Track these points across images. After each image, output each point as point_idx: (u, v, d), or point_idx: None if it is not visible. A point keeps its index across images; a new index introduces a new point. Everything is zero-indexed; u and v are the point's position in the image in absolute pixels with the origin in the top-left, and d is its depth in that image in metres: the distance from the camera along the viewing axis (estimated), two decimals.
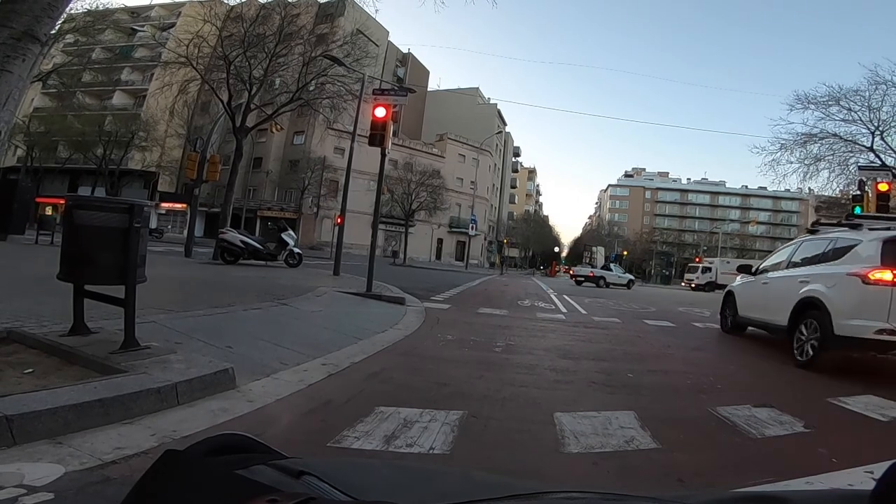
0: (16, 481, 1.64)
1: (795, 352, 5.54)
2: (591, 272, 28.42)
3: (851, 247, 5.49)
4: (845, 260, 5.43)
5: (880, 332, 4.64)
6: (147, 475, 0.53)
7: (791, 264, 6.65)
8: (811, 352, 5.27)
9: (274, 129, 19.68)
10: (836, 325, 4.95)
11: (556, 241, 72.09)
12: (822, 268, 5.73)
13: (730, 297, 8.25)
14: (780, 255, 7.38)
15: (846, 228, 6.15)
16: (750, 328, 7.58)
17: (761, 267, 7.61)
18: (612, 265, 33.10)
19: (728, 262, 38.15)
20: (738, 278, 8.29)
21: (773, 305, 6.38)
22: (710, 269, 38.95)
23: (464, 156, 49.13)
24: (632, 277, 31.17)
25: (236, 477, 0.55)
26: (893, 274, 4.74)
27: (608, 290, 22.53)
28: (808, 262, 6.26)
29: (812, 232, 6.88)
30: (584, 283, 26.85)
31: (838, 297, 5.08)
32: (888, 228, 5.60)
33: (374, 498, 0.57)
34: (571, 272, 31.02)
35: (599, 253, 45.29)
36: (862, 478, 2.22)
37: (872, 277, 4.83)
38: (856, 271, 5.03)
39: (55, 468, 1.81)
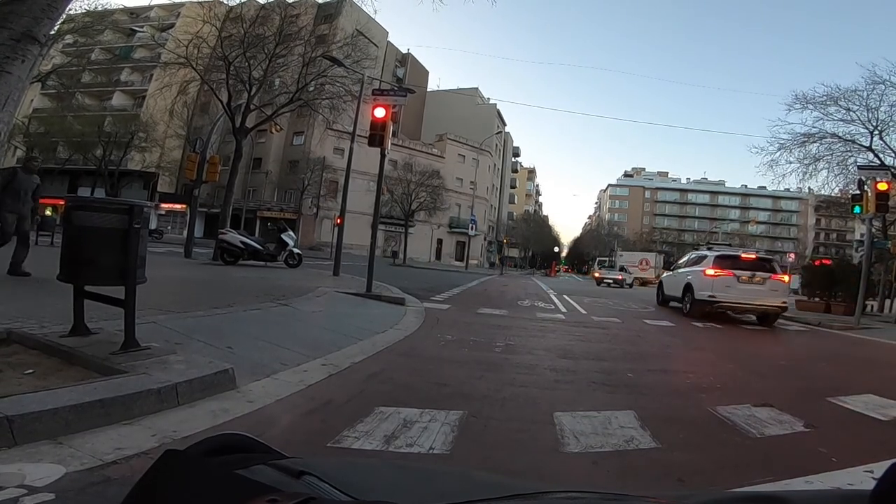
0: (17, 482, 1.64)
1: (683, 308, 10.97)
2: (621, 275, 29.65)
3: (704, 258, 11.14)
4: (701, 264, 10.94)
5: (709, 296, 9.99)
6: (147, 475, 0.53)
7: (686, 265, 12.23)
8: (688, 308, 10.61)
9: (273, 130, 19.66)
10: (696, 294, 10.35)
11: (556, 241, 72.13)
12: (694, 268, 11.25)
13: (661, 283, 14.20)
14: (683, 260, 13.27)
15: (706, 248, 12.78)
16: (671, 303, 12.43)
17: (675, 266, 13.61)
18: (624, 266, 35.20)
19: (622, 255, 42.59)
20: (664, 273, 15.19)
21: (677, 286, 11.67)
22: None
23: (463, 156, 49.09)
24: (634, 277, 33.90)
25: (236, 477, 0.56)
26: (714, 271, 10.16)
27: (608, 290, 22.58)
28: (691, 264, 11.83)
29: (695, 249, 14.33)
30: (599, 284, 28.12)
31: (696, 282, 10.52)
32: (720, 251, 11.54)
33: (375, 498, 0.57)
34: (598, 274, 31.70)
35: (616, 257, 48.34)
36: (862, 477, 2.22)
37: (707, 273, 10.28)
38: (702, 269, 10.53)
39: (56, 468, 1.81)
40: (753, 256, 10.72)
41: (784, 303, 10.31)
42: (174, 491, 0.52)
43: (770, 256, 12.66)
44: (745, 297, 9.88)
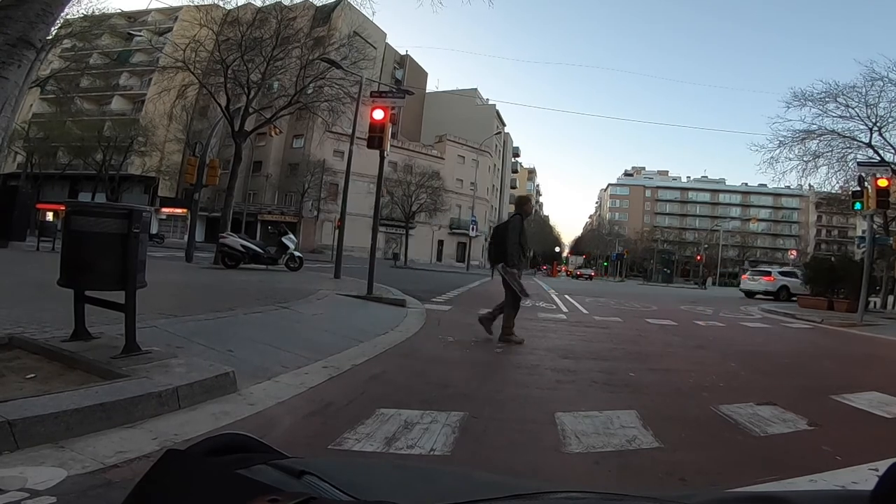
0: (18, 485, 1.63)
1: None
2: (594, 272, 39.92)
3: None
4: None
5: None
6: (148, 475, 0.53)
7: None
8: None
9: (273, 133, 19.64)
10: None
11: (557, 241, 72.04)
12: None
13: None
14: None
15: None
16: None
17: None
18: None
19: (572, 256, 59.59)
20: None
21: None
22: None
23: (463, 157, 49.09)
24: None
25: (237, 476, 0.55)
26: None
27: (608, 290, 22.59)
28: None
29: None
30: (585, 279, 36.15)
31: None
32: None
33: (375, 498, 0.57)
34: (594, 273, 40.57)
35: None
36: (866, 475, 2.21)
37: None
38: None
39: (57, 472, 1.81)
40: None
41: None
42: (175, 490, 0.52)
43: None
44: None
